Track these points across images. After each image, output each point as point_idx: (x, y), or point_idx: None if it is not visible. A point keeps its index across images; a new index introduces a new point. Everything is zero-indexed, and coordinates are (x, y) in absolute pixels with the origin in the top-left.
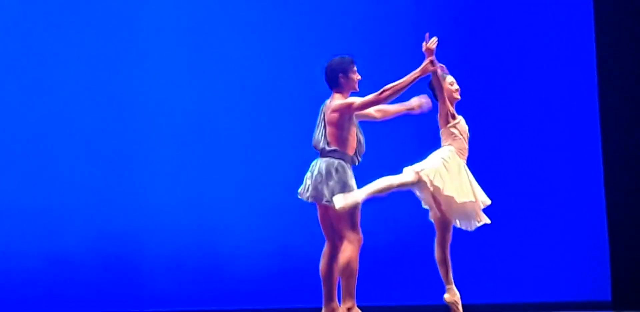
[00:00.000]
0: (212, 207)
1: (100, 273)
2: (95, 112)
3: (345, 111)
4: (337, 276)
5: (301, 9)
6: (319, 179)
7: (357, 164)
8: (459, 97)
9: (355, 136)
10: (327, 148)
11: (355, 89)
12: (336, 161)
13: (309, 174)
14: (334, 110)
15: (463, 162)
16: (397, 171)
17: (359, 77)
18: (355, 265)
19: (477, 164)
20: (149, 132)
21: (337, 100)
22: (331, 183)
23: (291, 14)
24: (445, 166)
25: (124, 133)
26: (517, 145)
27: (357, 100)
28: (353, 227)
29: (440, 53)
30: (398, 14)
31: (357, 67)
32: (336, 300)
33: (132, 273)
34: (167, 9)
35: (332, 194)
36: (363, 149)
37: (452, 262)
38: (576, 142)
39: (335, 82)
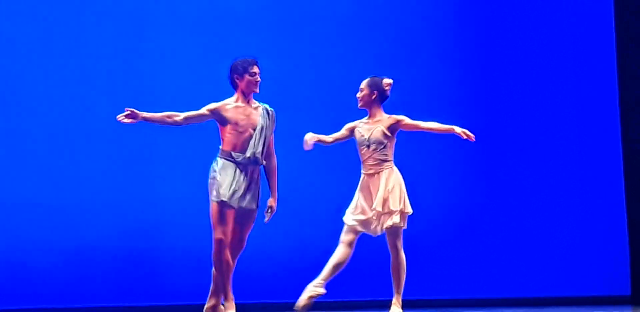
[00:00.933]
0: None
1: (120, 267)
2: (115, 108)
3: None
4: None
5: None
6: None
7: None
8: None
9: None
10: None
11: (253, 91)
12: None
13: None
14: None
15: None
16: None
17: (259, 79)
18: (216, 262)
19: (501, 162)
20: (164, 128)
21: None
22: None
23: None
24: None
25: (142, 129)
26: (540, 142)
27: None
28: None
29: (463, 52)
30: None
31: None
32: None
33: (152, 267)
34: (165, 9)
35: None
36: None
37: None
38: (597, 139)
39: (232, 83)
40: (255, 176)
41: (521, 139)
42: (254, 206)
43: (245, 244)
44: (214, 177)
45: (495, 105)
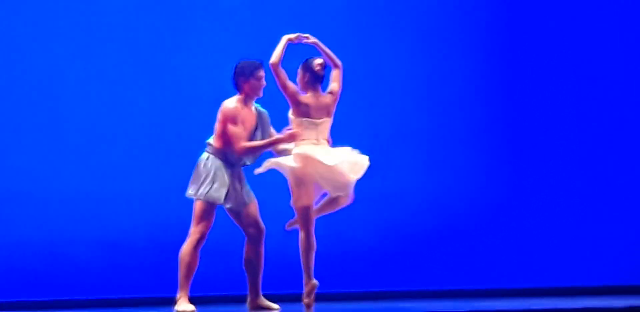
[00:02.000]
0: (265, 189)
1: (149, 258)
2: (140, 102)
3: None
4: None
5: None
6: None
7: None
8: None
9: None
10: None
11: (258, 95)
12: None
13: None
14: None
15: None
16: None
17: (264, 83)
18: (185, 257)
19: (548, 155)
20: (190, 122)
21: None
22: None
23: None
24: None
25: (177, 121)
26: (577, 135)
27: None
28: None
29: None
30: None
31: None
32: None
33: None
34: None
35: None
36: None
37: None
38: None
39: (236, 85)
40: (242, 175)
41: (551, 129)
42: (247, 202)
43: (262, 225)
44: (207, 175)
45: (512, 94)
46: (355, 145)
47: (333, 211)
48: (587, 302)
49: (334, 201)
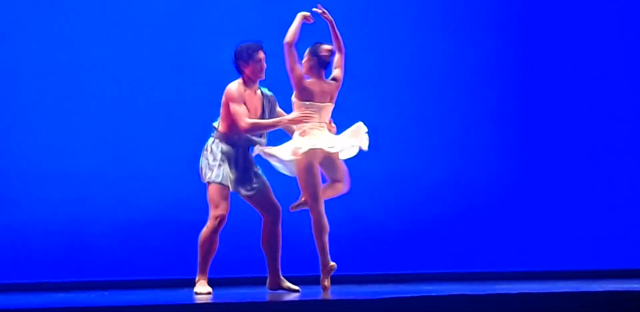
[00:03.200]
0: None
1: (173, 240)
2: (154, 90)
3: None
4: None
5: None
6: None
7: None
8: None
9: None
10: None
11: (260, 77)
12: None
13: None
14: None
15: None
16: None
17: (264, 65)
18: (205, 241)
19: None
20: (207, 109)
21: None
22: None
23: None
24: None
25: (196, 104)
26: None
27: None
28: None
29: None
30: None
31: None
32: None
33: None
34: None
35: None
36: None
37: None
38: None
39: (237, 68)
40: (250, 157)
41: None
42: (258, 183)
43: (278, 205)
44: (215, 159)
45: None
46: (371, 128)
47: (334, 195)
48: (608, 285)
49: (332, 186)
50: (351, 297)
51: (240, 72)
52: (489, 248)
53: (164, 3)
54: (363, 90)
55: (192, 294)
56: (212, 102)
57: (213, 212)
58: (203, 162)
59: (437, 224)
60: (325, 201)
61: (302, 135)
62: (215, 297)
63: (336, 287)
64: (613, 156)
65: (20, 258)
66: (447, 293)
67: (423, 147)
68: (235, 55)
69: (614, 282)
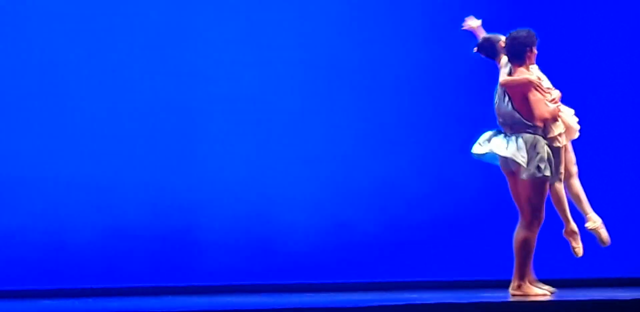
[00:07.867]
0: (270, 180)
1: (157, 246)
2: (155, 89)
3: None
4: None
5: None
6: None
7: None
8: None
9: None
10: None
11: (533, 63)
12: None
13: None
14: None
15: None
16: None
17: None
18: (530, 245)
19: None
20: (206, 106)
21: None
22: (537, 158)
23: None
24: None
25: (182, 108)
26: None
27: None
28: (537, 207)
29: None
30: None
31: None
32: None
33: (189, 246)
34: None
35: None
36: None
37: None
38: None
39: (517, 55)
40: None
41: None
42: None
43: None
44: (540, 153)
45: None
46: (361, 136)
47: None
48: (593, 294)
49: None
50: (337, 305)
51: (520, 59)
52: (475, 256)
53: (164, 3)
54: (348, 96)
55: (208, 301)
56: (194, 107)
57: (536, 214)
58: (536, 158)
59: (423, 231)
60: (309, 209)
61: None
62: None
63: (322, 296)
64: (610, 159)
65: (2, 265)
66: (432, 301)
67: (409, 155)
68: (520, 40)
69: (599, 290)
